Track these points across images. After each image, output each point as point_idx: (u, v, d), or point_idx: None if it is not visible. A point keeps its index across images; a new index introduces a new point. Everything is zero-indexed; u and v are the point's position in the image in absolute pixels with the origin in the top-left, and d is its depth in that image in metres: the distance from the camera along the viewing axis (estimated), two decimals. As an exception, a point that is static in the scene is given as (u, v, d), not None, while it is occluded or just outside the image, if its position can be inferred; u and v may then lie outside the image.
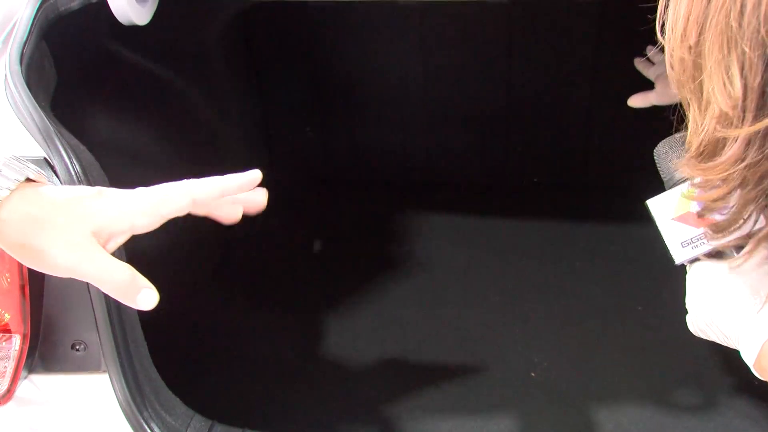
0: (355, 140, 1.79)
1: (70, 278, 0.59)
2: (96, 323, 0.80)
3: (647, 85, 1.23)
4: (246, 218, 0.70)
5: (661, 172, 0.80)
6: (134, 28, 0.94)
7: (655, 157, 0.80)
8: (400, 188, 1.79)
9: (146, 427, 0.85)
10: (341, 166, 1.84)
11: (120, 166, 1.27)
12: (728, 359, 1.23)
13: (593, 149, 1.70)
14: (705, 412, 1.16)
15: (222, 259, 1.57)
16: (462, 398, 1.23)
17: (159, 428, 0.85)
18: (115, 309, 0.81)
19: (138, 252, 1.25)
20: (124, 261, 0.82)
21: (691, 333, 0.76)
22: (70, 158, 0.76)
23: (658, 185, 0.80)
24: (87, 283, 0.76)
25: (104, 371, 0.84)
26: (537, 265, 1.53)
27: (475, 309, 1.43)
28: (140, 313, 0.91)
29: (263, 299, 1.51)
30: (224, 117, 1.55)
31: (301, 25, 1.63)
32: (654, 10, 0.58)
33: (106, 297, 0.78)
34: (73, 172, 0.76)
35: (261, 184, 0.68)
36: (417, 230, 1.66)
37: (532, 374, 1.27)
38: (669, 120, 0.66)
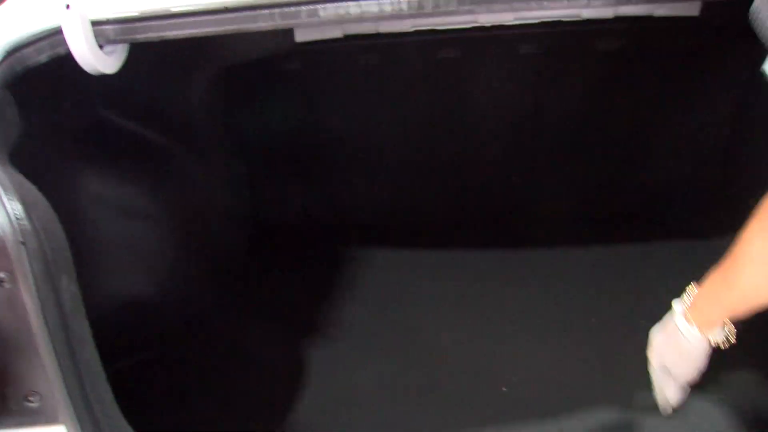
0: (334, 189, 1.80)
1: (17, 326, 0.57)
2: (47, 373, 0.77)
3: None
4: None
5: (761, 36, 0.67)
6: (118, 86, 0.94)
7: (751, 21, 0.66)
8: (387, 231, 1.80)
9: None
10: (324, 214, 1.83)
11: (109, 220, 1.28)
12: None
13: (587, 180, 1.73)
14: (674, 428, 1.15)
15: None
16: (439, 412, 1.26)
17: (121, 480, 0.82)
18: (68, 357, 0.77)
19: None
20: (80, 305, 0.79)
21: None
22: (8, 196, 0.74)
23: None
24: (34, 331, 0.73)
25: (62, 423, 0.81)
26: (514, 290, 1.56)
27: (453, 333, 1.45)
28: (105, 350, 0.88)
29: (245, 339, 1.50)
30: (208, 170, 1.55)
31: (279, 84, 1.64)
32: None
33: (56, 345, 0.75)
34: (9, 210, 0.74)
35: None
36: (402, 267, 1.68)
37: (504, 389, 1.29)
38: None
